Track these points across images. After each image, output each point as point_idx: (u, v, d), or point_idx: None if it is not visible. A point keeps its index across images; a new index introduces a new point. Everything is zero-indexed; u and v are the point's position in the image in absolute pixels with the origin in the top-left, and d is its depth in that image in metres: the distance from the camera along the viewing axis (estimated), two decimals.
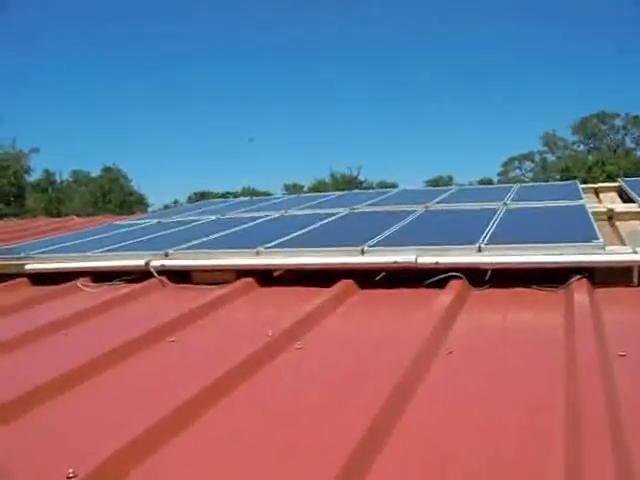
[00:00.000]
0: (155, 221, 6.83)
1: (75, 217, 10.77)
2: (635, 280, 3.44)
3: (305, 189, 38.86)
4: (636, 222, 5.12)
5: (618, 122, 45.49)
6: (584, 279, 3.35)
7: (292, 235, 4.73)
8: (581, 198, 5.58)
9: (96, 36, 65.54)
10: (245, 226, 5.66)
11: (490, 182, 38.43)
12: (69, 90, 67.66)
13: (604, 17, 57.33)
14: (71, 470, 1.66)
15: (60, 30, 67.56)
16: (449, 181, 41.08)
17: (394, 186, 10.66)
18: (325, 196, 8.23)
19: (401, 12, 70.23)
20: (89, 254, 4.75)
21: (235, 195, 33.05)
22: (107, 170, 41.99)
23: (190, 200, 39.35)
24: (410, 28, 71.11)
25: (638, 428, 1.80)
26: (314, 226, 5.17)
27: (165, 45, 73.85)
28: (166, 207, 31.31)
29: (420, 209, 5.65)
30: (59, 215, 15.31)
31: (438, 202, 6.14)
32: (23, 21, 61.71)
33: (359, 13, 68.85)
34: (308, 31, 74.07)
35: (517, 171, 48.88)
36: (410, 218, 5.15)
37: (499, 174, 48.30)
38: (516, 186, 7.42)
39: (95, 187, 40.80)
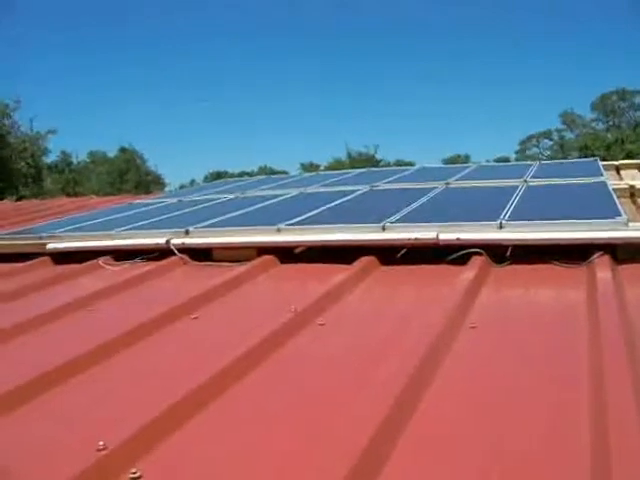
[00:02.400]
0: (175, 200, 6.85)
1: (94, 196, 10.82)
2: None
3: (322, 168, 38.70)
4: None
5: (638, 99, 44.90)
6: (606, 256, 3.33)
7: (313, 212, 4.73)
8: (602, 175, 5.53)
9: (112, 14, 65.48)
10: (265, 204, 5.66)
11: (507, 160, 38.07)
12: (86, 71, 67.80)
13: None
14: (101, 443, 1.68)
15: (76, 8, 67.51)
16: (466, 160, 40.77)
17: (411, 165, 10.59)
18: (344, 174, 8.22)
19: None
20: (111, 233, 4.77)
21: (252, 174, 33.02)
22: (123, 150, 42.10)
23: (207, 180, 39.44)
24: (425, 7, 70.46)
25: None
26: (334, 203, 5.17)
27: (178, 25, 73.60)
28: (182, 187, 31.36)
29: (440, 186, 5.63)
30: (76, 196, 15.36)
31: (458, 179, 6.11)
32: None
33: None
34: (326, 10, 73.48)
35: (535, 149, 48.48)
36: (430, 195, 5.14)
37: (516, 152, 47.96)
38: (536, 163, 7.37)
39: (112, 168, 40.96)
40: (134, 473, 1.65)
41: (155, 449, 1.78)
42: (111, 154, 42.87)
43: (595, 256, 3.33)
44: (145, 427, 1.82)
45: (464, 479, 1.53)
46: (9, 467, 1.72)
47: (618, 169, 7.36)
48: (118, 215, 5.93)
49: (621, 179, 6.57)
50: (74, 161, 41.52)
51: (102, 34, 70.62)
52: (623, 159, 14.69)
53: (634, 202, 5.10)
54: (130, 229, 4.87)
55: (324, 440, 1.72)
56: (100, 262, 4.48)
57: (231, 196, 6.61)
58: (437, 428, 1.79)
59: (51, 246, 4.80)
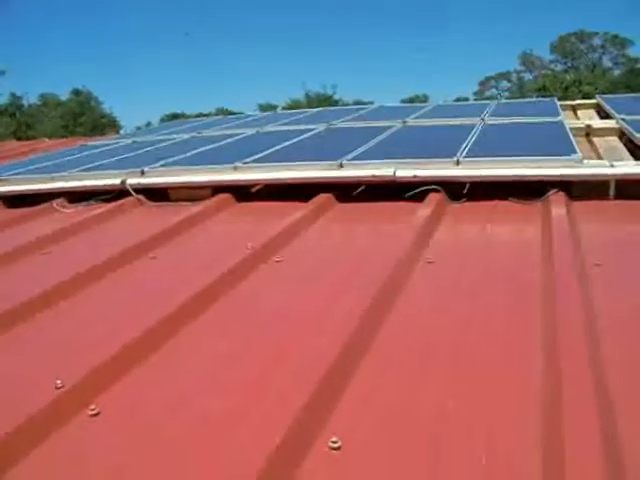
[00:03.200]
0: (129, 141, 6.72)
1: (47, 139, 10.56)
2: (611, 193, 3.47)
3: (279, 109, 38.30)
4: (613, 138, 5.12)
5: (597, 41, 45.01)
6: (561, 192, 3.37)
7: (269, 150, 4.68)
8: (559, 114, 5.56)
9: None
10: (221, 143, 5.58)
11: (466, 101, 38.13)
12: (36, 9, 65.55)
13: None
14: (59, 381, 1.68)
15: None
16: (425, 100, 40.58)
17: (370, 104, 10.47)
18: (301, 113, 8.14)
19: None
20: (64, 174, 4.67)
21: (209, 116, 32.52)
22: (77, 93, 41.01)
23: (163, 122, 38.69)
24: None
25: (614, 335, 1.83)
26: (291, 142, 5.11)
27: None
28: (138, 129, 30.81)
29: (398, 124, 5.61)
30: (28, 139, 14.99)
31: (416, 118, 6.09)
32: None
33: None
34: None
35: (493, 90, 48.43)
36: (388, 133, 5.12)
37: (475, 93, 47.86)
38: (494, 102, 7.38)
39: (65, 111, 39.92)
40: (92, 409, 1.65)
41: (113, 386, 1.78)
42: (64, 97, 41.77)
43: (550, 193, 3.37)
44: (103, 365, 1.82)
45: (422, 402, 1.57)
46: None
47: (575, 109, 7.40)
48: (71, 157, 5.80)
49: (577, 119, 6.62)
50: (25, 104, 40.37)
51: None
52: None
53: (589, 141, 5.13)
54: (84, 170, 4.77)
55: (283, 370, 1.75)
56: (54, 205, 4.39)
57: (187, 136, 6.50)
58: (394, 356, 1.83)
59: (2, 189, 4.68)
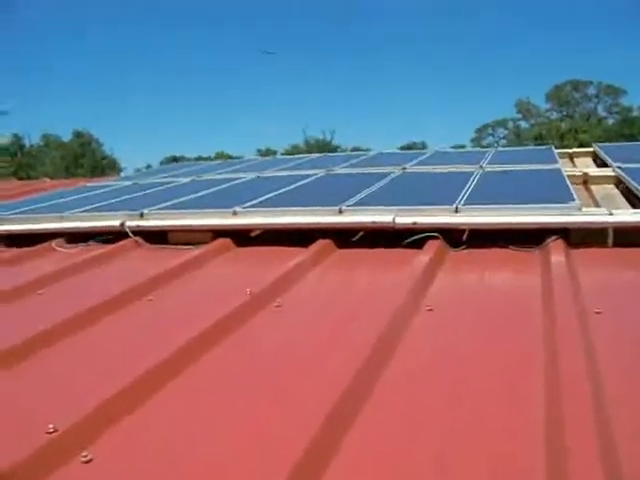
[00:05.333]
0: (130, 183, 6.74)
1: (48, 180, 10.61)
2: (610, 241, 3.48)
3: (279, 154, 38.59)
4: (610, 186, 5.16)
5: (591, 90, 45.59)
6: (560, 240, 3.38)
7: (269, 195, 4.70)
8: (557, 162, 5.61)
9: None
10: (221, 187, 5.60)
11: (463, 148, 38.43)
12: (38, 54, 66.42)
13: None
14: (51, 426, 1.65)
15: None
16: (422, 147, 40.88)
17: (368, 151, 10.58)
18: (301, 158, 8.20)
19: None
20: (63, 215, 4.68)
21: (208, 159, 32.73)
22: (78, 134, 41.32)
23: (163, 164, 38.92)
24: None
25: (615, 380, 1.82)
26: (291, 187, 5.14)
27: (136, 12, 72.44)
28: (138, 171, 30.97)
29: (397, 171, 5.64)
30: (30, 180, 15.06)
31: (415, 164, 6.14)
32: None
33: None
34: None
35: (490, 138, 48.86)
36: (387, 179, 5.14)
37: (472, 140, 48.27)
38: (492, 150, 7.44)
39: (66, 151, 40.16)
40: (85, 456, 1.62)
41: (107, 432, 1.75)
42: (65, 138, 42.07)
43: (549, 240, 3.37)
44: (96, 410, 1.79)
45: (421, 453, 1.54)
46: None
47: (572, 157, 7.46)
48: (71, 197, 5.82)
49: (575, 167, 6.66)
50: (27, 144, 40.64)
51: (53, 17, 69.19)
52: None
53: (587, 189, 5.16)
54: (83, 211, 4.78)
55: (281, 417, 1.73)
56: (53, 245, 4.39)
57: (187, 179, 6.53)
58: (393, 405, 1.81)
59: (2, 228, 4.69)
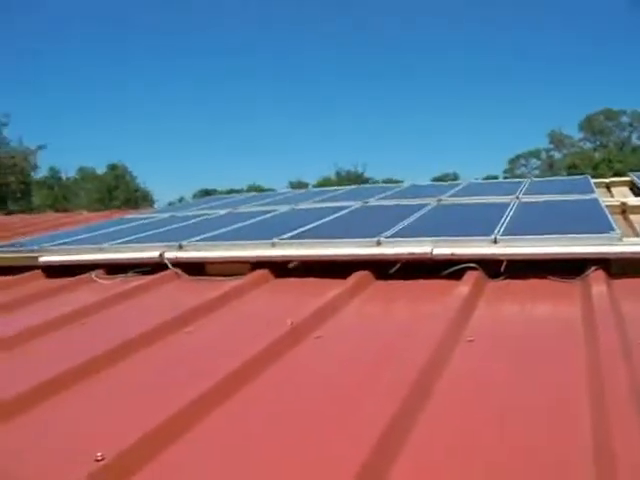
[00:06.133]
0: (167, 215, 6.83)
1: (84, 212, 10.78)
2: None
3: (310, 186, 38.83)
4: None
5: (625, 119, 45.35)
6: (601, 270, 3.34)
7: (306, 227, 4.73)
8: (594, 192, 5.57)
9: (100, 32, 65.70)
10: (258, 219, 5.66)
11: (496, 179, 38.26)
12: (75, 87, 67.86)
13: (610, 14, 57.11)
14: (99, 454, 1.67)
15: (64, 27, 67.66)
16: (455, 178, 40.86)
17: (401, 183, 10.62)
18: (335, 190, 8.23)
19: (403, 10, 70.04)
20: (103, 246, 4.76)
21: (240, 192, 33.01)
22: (113, 167, 42.04)
23: (196, 197, 39.34)
24: (414, 25, 70.98)
25: None
26: (327, 219, 5.17)
27: (167, 43, 73.85)
28: (171, 204, 31.31)
29: (433, 202, 5.65)
30: (65, 212, 15.34)
31: (450, 196, 6.13)
32: (28, 19, 61.87)
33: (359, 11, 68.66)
34: (308, 29, 73.99)
35: (523, 168, 48.76)
36: (424, 211, 5.15)
37: (505, 171, 48.20)
38: (527, 181, 7.41)
39: (101, 184, 40.85)
40: None
41: (153, 460, 1.76)
42: (100, 171, 42.82)
43: (590, 270, 3.34)
44: (143, 438, 1.80)
45: None
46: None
47: (608, 187, 7.41)
48: (110, 229, 5.91)
49: (612, 196, 6.61)
50: (63, 177, 41.41)
51: (90, 51, 70.76)
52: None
53: (626, 218, 5.12)
54: (123, 243, 4.85)
55: (323, 453, 1.71)
56: (92, 276, 4.46)
57: (223, 211, 6.60)
58: (437, 440, 1.79)
59: (43, 259, 4.77)
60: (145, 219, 6.66)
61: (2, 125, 29.98)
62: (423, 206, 5.42)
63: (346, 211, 5.62)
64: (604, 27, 61.00)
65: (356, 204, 6.02)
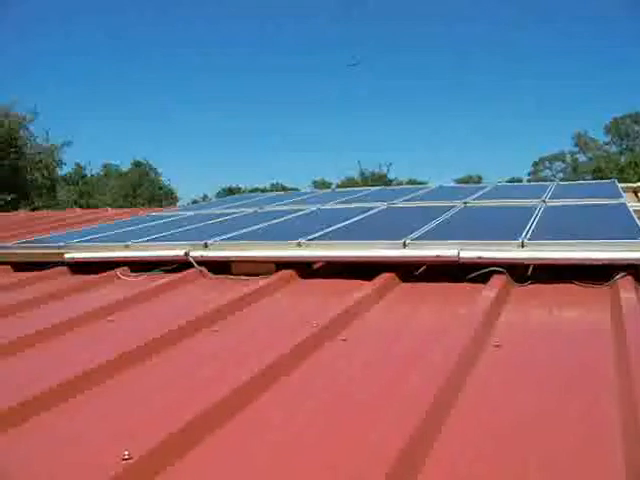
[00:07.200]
0: (192, 213, 6.87)
1: (109, 209, 10.85)
2: None
3: (333, 186, 38.82)
4: None
5: None
6: (629, 276, 3.30)
7: (332, 228, 4.73)
8: (621, 196, 5.51)
9: (125, 29, 66.23)
10: (283, 219, 5.67)
11: (520, 182, 38.06)
12: (102, 85, 68.42)
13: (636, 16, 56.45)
14: (126, 452, 1.67)
15: (90, 22, 68.26)
16: (478, 181, 40.70)
17: (425, 184, 10.59)
18: (360, 191, 8.22)
19: (429, 12, 69.84)
20: (128, 244, 4.78)
21: (264, 191, 33.09)
22: (137, 164, 42.29)
23: (219, 195, 39.53)
24: (437, 27, 70.78)
25: None
26: (353, 220, 5.17)
27: (194, 41, 74.20)
28: (194, 202, 31.45)
29: (459, 205, 5.63)
30: (89, 208, 15.46)
31: (476, 198, 6.10)
32: (54, 11, 62.53)
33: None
34: (335, 26, 74.03)
35: (547, 171, 48.38)
36: (450, 213, 5.13)
37: (529, 174, 47.90)
38: (553, 184, 7.35)
39: (125, 181, 41.10)
40: None
41: (182, 459, 1.77)
42: (124, 167, 43.11)
43: (618, 277, 3.30)
44: (171, 437, 1.80)
45: None
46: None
47: (636, 191, 7.33)
48: (135, 227, 5.95)
49: (639, 201, 6.54)
50: (88, 174, 41.72)
51: (116, 49, 71.29)
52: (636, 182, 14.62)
53: None
54: (148, 241, 4.87)
55: (350, 454, 1.71)
56: (117, 273, 4.48)
57: (249, 210, 6.62)
58: (463, 446, 1.77)
59: (69, 256, 4.81)
60: (170, 217, 6.69)
61: (29, 122, 30.21)
62: (449, 208, 5.40)
63: (372, 212, 5.61)
64: (632, 30, 60.32)
65: (382, 205, 6.02)
